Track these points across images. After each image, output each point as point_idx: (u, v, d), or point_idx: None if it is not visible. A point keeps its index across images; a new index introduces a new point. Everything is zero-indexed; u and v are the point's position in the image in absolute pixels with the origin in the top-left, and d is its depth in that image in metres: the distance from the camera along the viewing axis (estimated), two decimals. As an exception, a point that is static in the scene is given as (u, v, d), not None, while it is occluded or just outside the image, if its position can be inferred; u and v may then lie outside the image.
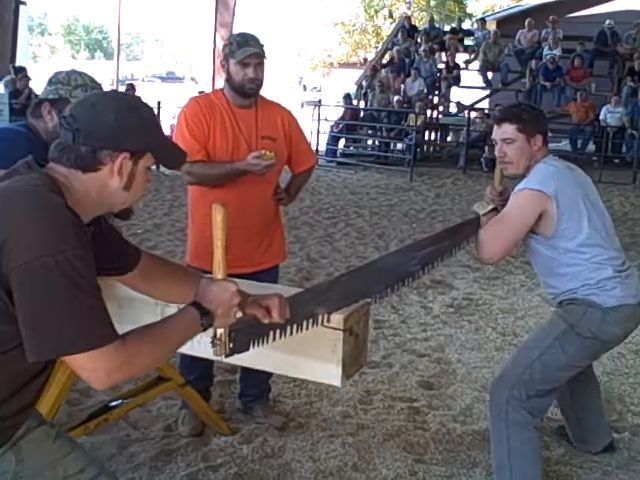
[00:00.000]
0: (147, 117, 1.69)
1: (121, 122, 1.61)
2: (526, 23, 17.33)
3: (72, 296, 1.47)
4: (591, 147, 15.73)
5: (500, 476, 2.91)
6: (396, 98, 16.53)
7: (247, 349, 2.01)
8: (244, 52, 3.20)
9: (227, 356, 1.92)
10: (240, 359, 2.39)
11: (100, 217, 1.77)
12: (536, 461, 2.90)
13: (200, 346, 2.38)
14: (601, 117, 14.90)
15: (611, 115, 14.78)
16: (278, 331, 2.05)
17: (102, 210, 1.72)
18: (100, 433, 3.32)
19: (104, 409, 2.95)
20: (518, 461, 2.85)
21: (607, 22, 16.83)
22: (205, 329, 1.77)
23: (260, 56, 3.25)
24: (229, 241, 3.31)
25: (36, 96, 3.04)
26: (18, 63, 16.05)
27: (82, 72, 2.57)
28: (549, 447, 3.46)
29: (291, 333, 2.07)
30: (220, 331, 1.83)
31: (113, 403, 3.03)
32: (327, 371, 2.24)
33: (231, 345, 1.88)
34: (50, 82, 2.52)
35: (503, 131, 2.97)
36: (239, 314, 1.86)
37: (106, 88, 2.69)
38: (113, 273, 1.95)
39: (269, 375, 3.55)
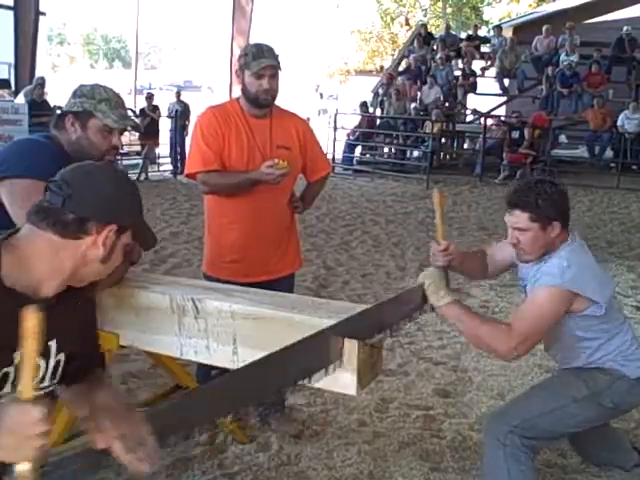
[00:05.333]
0: (136, 195, 1.70)
1: (113, 195, 1.61)
2: (543, 29, 17.30)
3: None
4: (609, 153, 15.66)
5: None
6: (413, 105, 16.55)
7: None
8: (259, 64, 3.23)
9: None
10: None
11: (77, 294, 1.69)
12: None
13: (216, 354, 2.41)
14: (619, 123, 14.84)
15: (629, 121, 14.71)
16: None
17: (71, 280, 1.64)
18: (118, 441, 3.35)
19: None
20: None
21: (625, 28, 16.77)
22: None
23: (275, 68, 3.28)
24: (245, 250, 3.36)
25: (59, 108, 3.06)
26: (38, 73, 16.18)
27: (106, 86, 2.58)
28: (565, 455, 3.44)
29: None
30: (22, 467, 1.35)
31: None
32: (342, 380, 2.25)
33: None
34: (75, 95, 2.53)
35: (515, 220, 2.70)
36: (42, 446, 1.35)
37: (125, 97, 2.68)
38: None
39: (285, 383, 3.56)
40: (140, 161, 14.16)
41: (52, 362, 1.66)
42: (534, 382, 4.35)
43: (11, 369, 1.54)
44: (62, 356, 1.68)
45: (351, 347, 2.18)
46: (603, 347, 2.80)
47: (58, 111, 2.73)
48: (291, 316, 2.31)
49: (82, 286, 1.70)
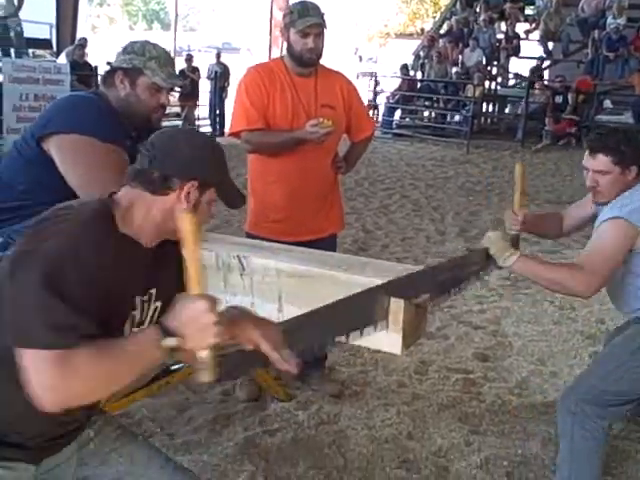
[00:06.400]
0: (218, 155, 1.81)
1: (194, 154, 1.74)
2: (591, -10, 16.84)
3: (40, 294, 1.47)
4: (655, 120, 15.30)
5: (561, 471, 2.87)
6: (454, 69, 16.32)
7: (240, 375, 1.94)
8: (305, 22, 3.20)
9: (215, 380, 1.63)
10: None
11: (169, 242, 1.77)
12: (596, 462, 2.81)
13: (261, 312, 2.42)
14: (666, 89, 14.46)
15: (677, 87, 14.33)
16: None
17: (165, 234, 1.76)
18: (160, 396, 3.40)
19: (166, 372, 3.02)
20: (579, 459, 2.79)
21: (676, -11, 16.27)
22: (172, 351, 1.54)
23: (320, 26, 3.24)
24: (289, 209, 3.36)
25: (109, 64, 3.05)
26: (79, 34, 16.23)
27: (156, 44, 2.56)
28: (607, 422, 3.41)
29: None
30: (203, 354, 1.55)
31: (175, 367, 3.09)
32: (387, 339, 2.25)
33: (218, 369, 1.60)
34: (125, 51, 2.52)
35: (597, 163, 2.79)
36: (220, 334, 1.55)
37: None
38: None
39: (325, 343, 3.58)
40: (180, 122, 14.19)
41: (152, 307, 1.82)
42: (575, 348, 4.33)
43: (137, 312, 1.76)
44: (159, 304, 1.83)
45: (397, 306, 2.18)
46: None
47: (108, 67, 2.73)
48: (337, 274, 2.31)
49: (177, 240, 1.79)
